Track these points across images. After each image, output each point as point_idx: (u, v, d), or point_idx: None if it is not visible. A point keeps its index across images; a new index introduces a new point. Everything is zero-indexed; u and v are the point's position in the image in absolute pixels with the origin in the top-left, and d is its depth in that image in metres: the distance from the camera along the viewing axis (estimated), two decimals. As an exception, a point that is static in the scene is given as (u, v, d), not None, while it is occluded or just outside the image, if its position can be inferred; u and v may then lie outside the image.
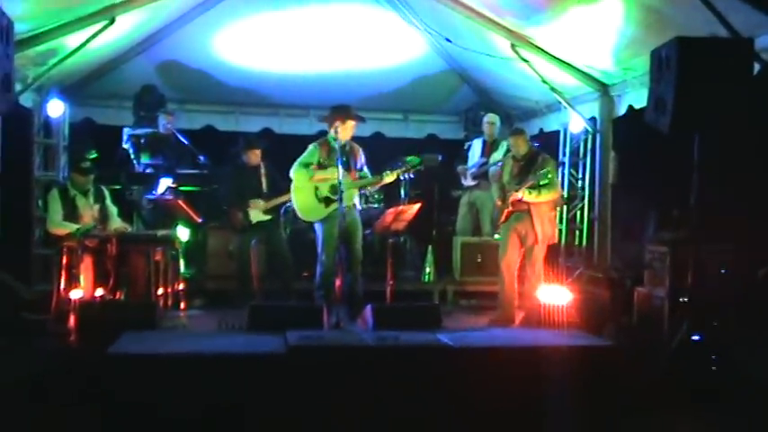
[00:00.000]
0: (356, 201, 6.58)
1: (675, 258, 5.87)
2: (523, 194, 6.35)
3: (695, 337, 5.04)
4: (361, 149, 6.67)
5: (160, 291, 6.02)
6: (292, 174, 6.53)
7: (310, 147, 6.51)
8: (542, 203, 6.44)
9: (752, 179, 6.48)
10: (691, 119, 4.66)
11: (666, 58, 4.70)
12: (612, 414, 4.27)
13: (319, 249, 6.51)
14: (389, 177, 6.51)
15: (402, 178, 6.77)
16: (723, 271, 5.92)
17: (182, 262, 6.52)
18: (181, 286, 6.34)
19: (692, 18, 5.05)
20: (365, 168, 6.65)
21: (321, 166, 6.41)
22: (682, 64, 4.55)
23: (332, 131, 6.44)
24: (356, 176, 6.54)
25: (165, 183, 7.45)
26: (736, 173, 6.59)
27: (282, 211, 7.57)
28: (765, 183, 5.54)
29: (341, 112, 6.47)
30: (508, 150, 7.92)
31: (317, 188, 6.44)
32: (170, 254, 6.26)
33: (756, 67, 4.91)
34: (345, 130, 6.43)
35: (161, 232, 6.35)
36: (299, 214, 6.67)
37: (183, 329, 5.57)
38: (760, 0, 4.72)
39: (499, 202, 6.74)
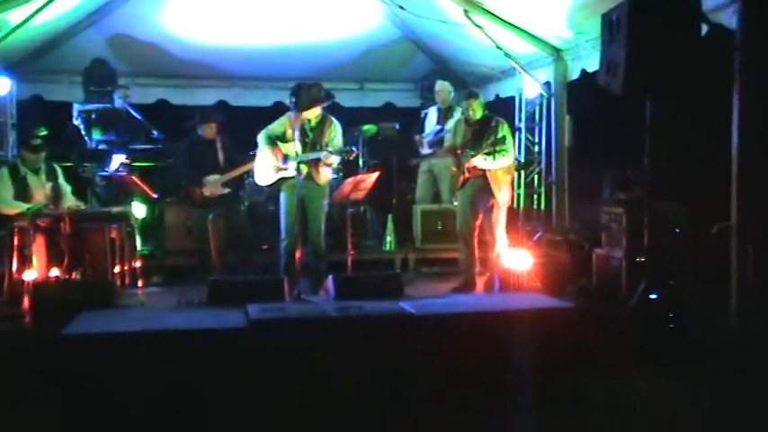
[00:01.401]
0: (314, 174, 6.32)
1: (631, 219, 5.96)
2: (477, 162, 6.30)
3: (653, 296, 5.13)
4: (334, 125, 6.44)
5: (117, 269, 5.92)
6: (258, 137, 6.51)
7: (283, 117, 6.43)
8: (498, 169, 6.39)
9: (701, 138, 6.60)
10: (642, 80, 4.71)
11: (617, 21, 4.73)
12: (574, 374, 4.34)
13: (281, 221, 6.47)
14: (328, 158, 6.29)
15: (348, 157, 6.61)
16: (677, 230, 6.03)
17: (138, 239, 6.41)
18: (138, 263, 6.23)
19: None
20: (337, 142, 6.39)
21: (285, 138, 6.33)
22: (632, 26, 4.59)
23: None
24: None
25: (118, 159, 7.32)
26: (687, 133, 6.71)
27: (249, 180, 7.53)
28: (714, 142, 5.63)
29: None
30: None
31: (275, 156, 6.40)
32: (126, 231, 6.15)
33: (704, 28, 4.98)
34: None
35: (116, 209, 6.24)
36: (255, 177, 6.69)
37: (142, 307, 5.49)
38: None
39: (454, 169, 6.63)
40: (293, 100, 6.18)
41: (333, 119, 6.49)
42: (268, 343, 4.00)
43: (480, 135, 6.39)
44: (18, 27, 6.58)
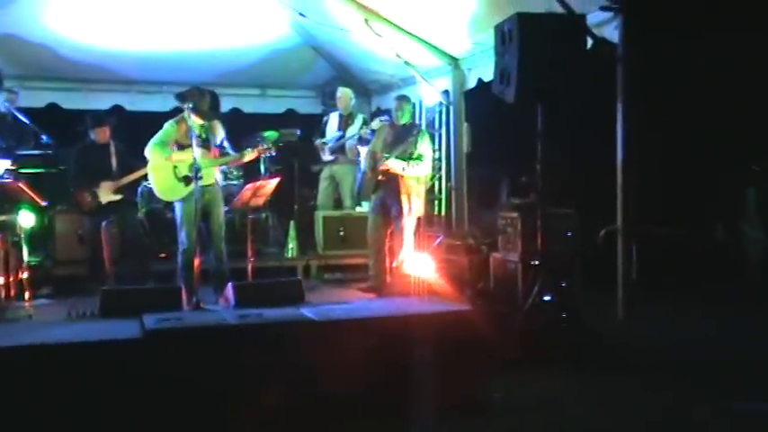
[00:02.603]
0: (218, 178, 6.34)
1: (525, 224, 6.15)
2: (391, 165, 6.36)
3: (546, 298, 5.32)
4: (220, 125, 6.40)
5: (1, 280, 5.64)
6: (148, 153, 6.16)
7: (166, 125, 6.19)
8: (411, 177, 6.43)
9: (591, 146, 6.91)
10: (533, 89, 4.90)
11: (509, 33, 4.91)
12: (473, 374, 4.44)
13: (179, 229, 6.28)
14: (249, 155, 6.30)
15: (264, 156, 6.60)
16: (568, 234, 6.29)
17: (26, 248, 6.11)
18: (25, 275, 5.94)
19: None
20: (225, 144, 6.41)
21: (179, 146, 6.09)
22: (522, 38, 4.77)
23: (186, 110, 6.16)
24: (217, 154, 6.29)
25: (2, 165, 6.93)
26: (578, 140, 7.01)
27: (139, 191, 7.31)
28: (600, 148, 5.91)
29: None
30: (364, 123, 8.02)
31: (175, 167, 6.10)
32: (11, 240, 5.87)
33: (590, 41, 5.24)
34: None
35: (1, 218, 5.94)
36: (158, 194, 6.33)
37: (29, 320, 5.24)
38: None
39: (369, 173, 6.66)
40: (192, 106, 5.99)
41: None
42: (166, 354, 3.90)
43: (401, 140, 6.46)
44: None
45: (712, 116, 7.39)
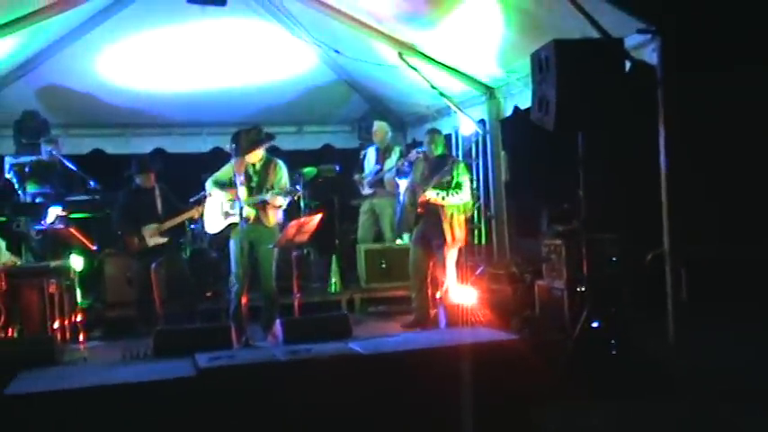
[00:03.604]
0: (267, 216, 6.29)
1: (569, 250, 6.10)
2: (430, 196, 6.41)
3: (594, 325, 5.25)
4: (278, 166, 6.39)
5: (56, 324, 5.76)
6: (206, 185, 6.50)
7: (228, 164, 6.41)
8: (452, 206, 6.47)
9: (632, 169, 6.86)
10: (573, 116, 4.88)
11: (546, 60, 4.92)
12: (523, 404, 4.40)
13: (231, 266, 6.41)
14: (276, 201, 6.26)
15: (293, 198, 6.65)
16: (614, 259, 6.21)
17: (78, 292, 6.26)
18: (79, 317, 6.07)
19: (566, 22, 5.33)
20: (283, 183, 6.35)
21: (232, 184, 6.27)
22: (560, 65, 4.77)
23: None
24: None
25: (54, 211, 7.14)
26: (618, 164, 6.96)
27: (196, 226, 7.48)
28: (644, 172, 5.86)
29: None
30: (401, 155, 8.08)
31: (222, 202, 6.41)
32: (65, 285, 6.01)
33: (628, 64, 5.23)
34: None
35: (54, 263, 6.09)
36: (205, 226, 6.71)
37: (85, 362, 5.34)
38: (625, 1, 5.04)
39: (409, 206, 6.72)
40: (233, 146, 6.21)
41: (277, 160, 6.47)
42: (219, 391, 3.95)
43: (436, 171, 6.52)
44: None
45: (759, 132, 7.27)
